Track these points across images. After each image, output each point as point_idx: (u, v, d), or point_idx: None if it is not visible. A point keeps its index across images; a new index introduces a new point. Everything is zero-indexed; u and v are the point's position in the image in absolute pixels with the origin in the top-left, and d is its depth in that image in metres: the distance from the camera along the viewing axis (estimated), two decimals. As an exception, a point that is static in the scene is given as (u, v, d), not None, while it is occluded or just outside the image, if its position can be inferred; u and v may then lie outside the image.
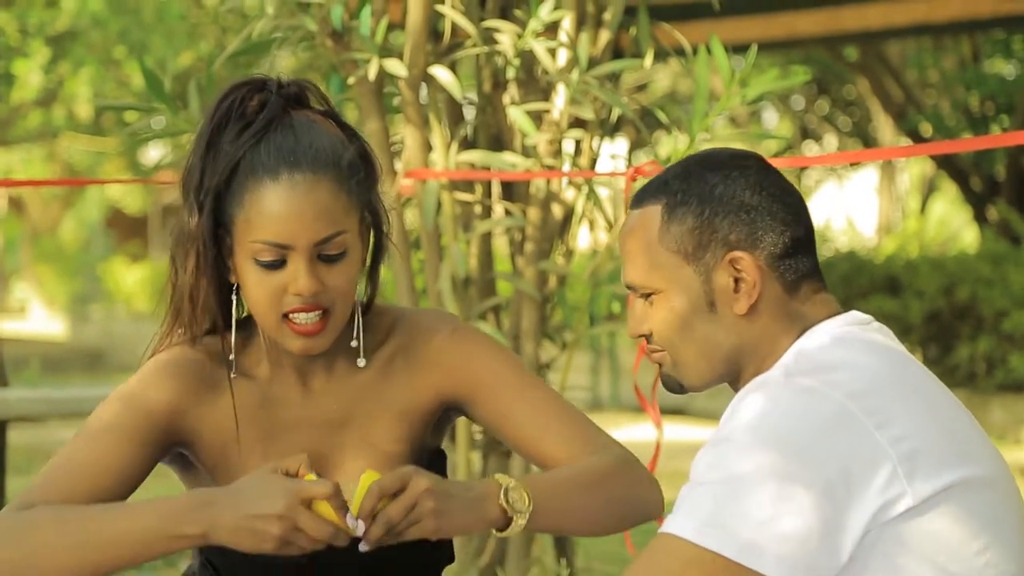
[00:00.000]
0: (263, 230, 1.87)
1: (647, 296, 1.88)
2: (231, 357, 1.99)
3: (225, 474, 1.98)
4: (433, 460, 2.06)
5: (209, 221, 1.90)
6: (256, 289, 1.90)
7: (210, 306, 1.96)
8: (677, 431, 9.64)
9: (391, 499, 1.79)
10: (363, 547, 1.80)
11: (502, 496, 1.85)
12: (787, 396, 1.72)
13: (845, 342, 1.80)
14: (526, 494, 1.86)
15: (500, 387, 2.03)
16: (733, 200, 1.83)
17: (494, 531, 1.88)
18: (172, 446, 2.00)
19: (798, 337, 1.83)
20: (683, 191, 1.85)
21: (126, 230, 26.11)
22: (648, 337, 1.89)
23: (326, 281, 1.90)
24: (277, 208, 1.86)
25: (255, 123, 1.90)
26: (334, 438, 2.00)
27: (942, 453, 1.72)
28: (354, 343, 1.99)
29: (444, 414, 2.08)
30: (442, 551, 2.06)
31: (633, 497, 2.01)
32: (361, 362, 1.99)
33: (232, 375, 1.99)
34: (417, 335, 2.04)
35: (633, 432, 8.95)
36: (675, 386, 1.91)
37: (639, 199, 1.90)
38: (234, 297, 1.98)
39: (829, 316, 1.85)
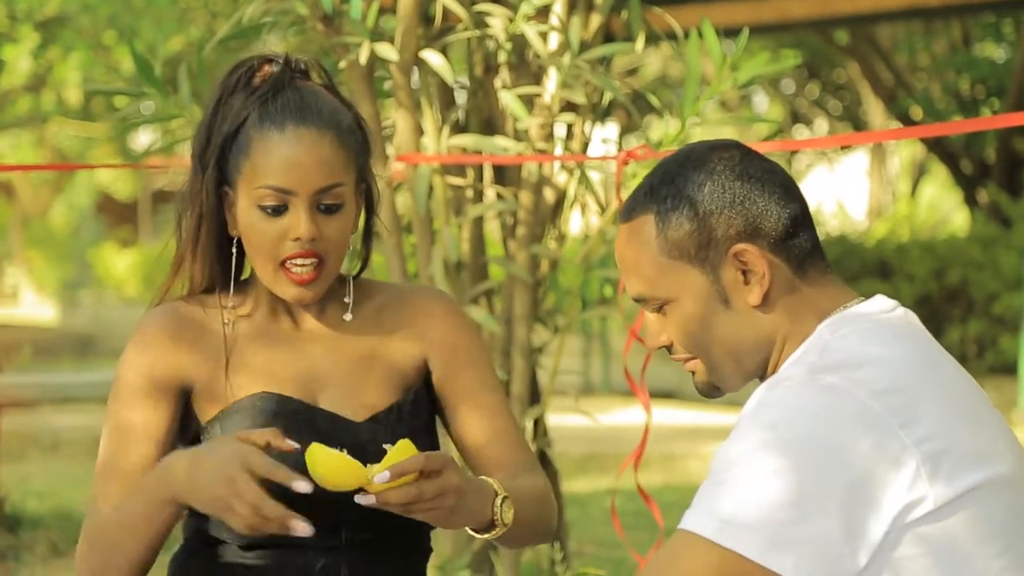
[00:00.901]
0: (269, 176, 1.99)
1: (659, 308, 1.86)
2: (230, 306, 2.11)
3: (212, 403, 2.08)
4: (417, 400, 2.13)
5: (214, 174, 2.03)
6: (258, 236, 2.02)
7: (211, 255, 2.08)
8: (668, 415, 9.65)
9: (419, 476, 1.87)
10: (364, 499, 1.86)
11: (497, 505, 1.99)
12: (811, 394, 1.69)
13: (872, 334, 1.77)
14: (512, 510, 2.00)
15: (461, 359, 2.14)
16: (724, 194, 1.81)
17: (467, 528, 2.00)
18: (180, 389, 2.09)
19: (817, 322, 1.81)
20: (672, 196, 1.83)
21: (116, 216, 26.07)
22: (669, 348, 1.88)
23: (323, 231, 2.02)
24: (283, 156, 2.00)
25: (263, 86, 2.04)
26: (320, 373, 2.09)
27: (966, 453, 1.70)
28: (347, 299, 2.11)
29: (428, 368, 2.18)
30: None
31: (552, 522, 2.14)
32: (348, 316, 2.11)
33: (227, 320, 2.10)
34: (407, 295, 2.18)
35: (623, 416, 8.97)
36: (712, 391, 1.89)
37: (628, 211, 1.87)
38: (234, 250, 2.09)
39: (847, 301, 1.83)
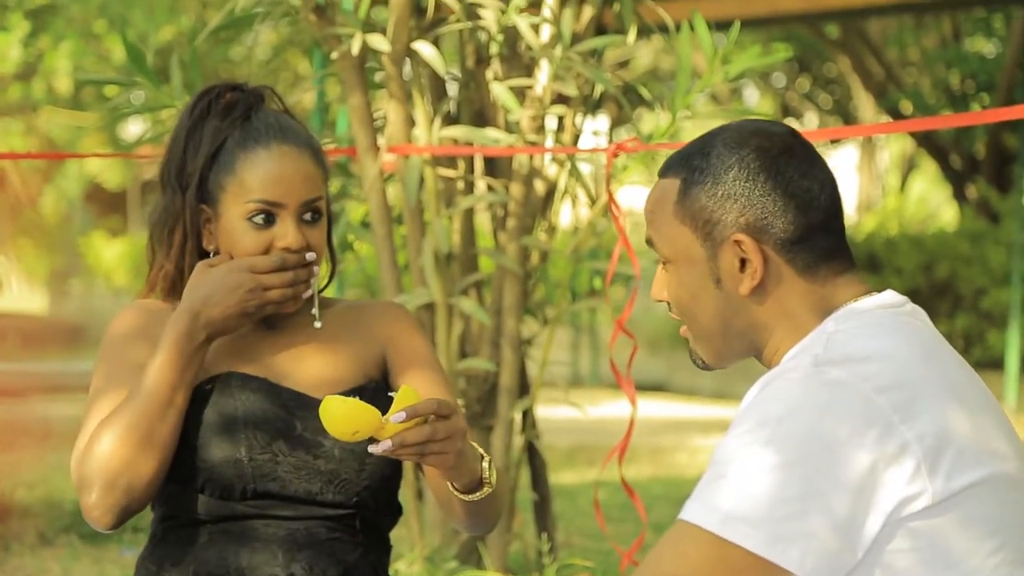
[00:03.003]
0: (257, 190, 2.14)
1: (664, 263, 1.90)
2: None
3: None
4: (378, 389, 2.20)
5: (194, 195, 2.16)
6: (245, 247, 2.15)
7: (191, 269, 2.18)
8: (657, 407, 9.66)
9: (423, 421, 1.94)
10: (379, 448, 1.91)
11: (484, 466, 2.09)
12: (814, 388, 1.69)
13: (879, 328, 1.77)
14: (495, 471, 2.11)
15: (417, 360, 2.24)
16: (746, 183, 1.81)
17: (451, 486, 2.07)
18: None
19: (823, 318, 1.81)
20: (700, 169, 1.84)
21: (105, 205, 26.01)
22: (669, 304, 1.91)
23: (308, 239, 2.16)
24: (271, 171, 2.14)
25: (235, 110, 2.18)
26: (285, 361, 2.20)
27: (967, 450, 1.70)
28: (314, 311, 2.22)
29: (387, 367, 2.28)
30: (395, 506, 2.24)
31: (504, 508, 2.22)
32: (318, 324, 2.22)
33: None
34: (366, 305, 2.31)
35: (612, 408, 8.96)
36: (699, 361, 1.92)
37: (665, 169, 1.91)
38: None
39: (857, 296, 1.83)
